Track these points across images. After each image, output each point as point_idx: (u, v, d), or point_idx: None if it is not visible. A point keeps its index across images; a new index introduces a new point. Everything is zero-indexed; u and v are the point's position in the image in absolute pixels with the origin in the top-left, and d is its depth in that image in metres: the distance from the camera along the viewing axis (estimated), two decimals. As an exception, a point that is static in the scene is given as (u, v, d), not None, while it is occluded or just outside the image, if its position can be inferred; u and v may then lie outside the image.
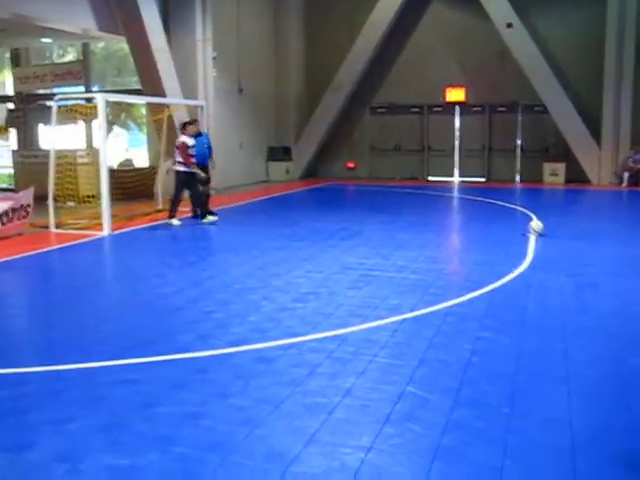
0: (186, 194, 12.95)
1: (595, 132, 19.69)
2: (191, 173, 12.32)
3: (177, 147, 12.37)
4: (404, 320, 6.26)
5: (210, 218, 12.66)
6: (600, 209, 16.07)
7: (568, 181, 20.21)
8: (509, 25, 19.84)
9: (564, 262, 8.94)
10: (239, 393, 4.56)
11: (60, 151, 13.29)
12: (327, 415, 4.20)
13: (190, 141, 12.41)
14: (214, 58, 17.82)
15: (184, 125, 12.69)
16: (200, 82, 17.27)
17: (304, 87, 23.18)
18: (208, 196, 12.98)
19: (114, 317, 6.67)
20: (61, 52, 21.88)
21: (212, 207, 13.63)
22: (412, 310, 6.57)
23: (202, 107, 15.07)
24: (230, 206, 15.41)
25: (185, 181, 12.36)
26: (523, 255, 9.24)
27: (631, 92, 19.25)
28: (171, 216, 12.52)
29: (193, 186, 12.48)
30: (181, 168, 12.33)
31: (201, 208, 12.74)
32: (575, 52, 20.04)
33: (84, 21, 14.81)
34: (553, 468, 3.60)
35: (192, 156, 12.34)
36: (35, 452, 3.75)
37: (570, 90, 19.82)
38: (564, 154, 20.42)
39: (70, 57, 21.48)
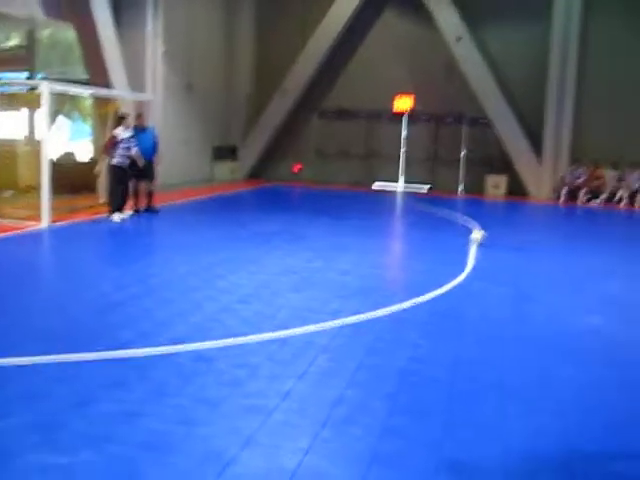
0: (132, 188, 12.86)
1: (537, 147, 20.21)
2: (120, 168, 12.36)
3: (108, 137, 12.51)
4: (345, 324, 6.31)
5: (115, 217, 12.37)
6: (538, 222, 16.50)
7: (509, 194, 20.66)
8: (458, 38, 20.21)
9: (503, 272, 9.14)
10: (178, 392, 4.54)
11: (0, 139, 12.96)
12: (266, 417, 4.22)
13: (122, 134, 12.39)
14: (165, 53, 17.65)
15: (120, 119, 12.73)
16: (149, 76, 17.09)
17: (254, 86, 23.15)
18: (126, 194, 12.78)
19: (51, 312, 6.54)
20: (4, 37, 21.30)
21: (156, 203, 13.54)
22: (353, 314, 6.63)
23: (149, 101, 14.90)
24: (174, 204, 15.28)
25: (118, 175, 12.31)
26: (464, 264, 9.42)
27: (572, 110, 19.82)
28: (111, 211, 12.35)
29: (121, 182, 12.42)
30: (113, 161, 12.39)
31: (115, 204, 12.48)
32: (521, 68, 20.51)
33: (29, 5, 14.47)
34: (487, 474, 3.70)
35: (121, 151, 12.32)
36: (-34, 447, 3.67)
37: (514, 105, 20.30)
38: (506, 167, 20.86)
39: (14, 42, 20.93)
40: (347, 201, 18.10)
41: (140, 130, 13.10)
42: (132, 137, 12.58)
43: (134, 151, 12.52)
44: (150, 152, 13.20)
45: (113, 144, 12.30)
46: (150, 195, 13.51)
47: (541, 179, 20.29)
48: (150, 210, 13.44)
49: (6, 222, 11.29)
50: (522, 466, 3.81)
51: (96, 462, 3.59)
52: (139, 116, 13.28)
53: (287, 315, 6.55)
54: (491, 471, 3.72)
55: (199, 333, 5.83)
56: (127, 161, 12.48)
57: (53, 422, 4.03)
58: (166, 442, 3.84)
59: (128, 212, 12.68)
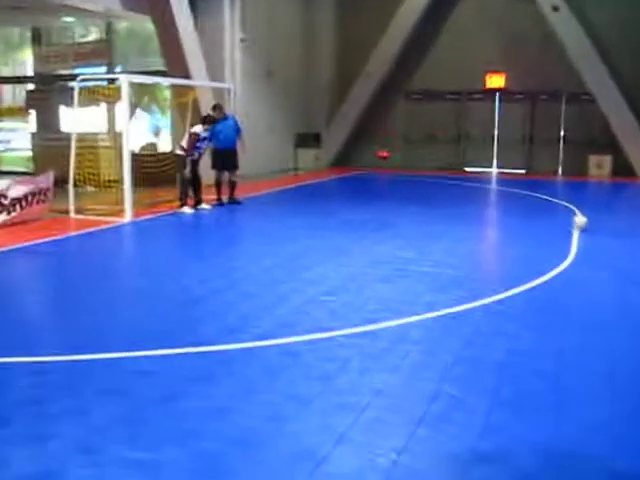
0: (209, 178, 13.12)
1: (645, 123, 19.43)
2: (192, 160, 12.66)
3: (189, 134, 12.76)
4: (439, 317, 6.23)
5: (186, 209, 12.61)
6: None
7: (614, 174, 19.95)
8: (555, 8, 19.59)
9: (609, 259, 8.84)
10: (267, 388, 4.57)
11: (81, 134, 13.41)
12: (358, 413, 4.20)
13: (203, 133, 12.72)
14: (242, 40, 17.86)
15: (205, 118, 13.02)
16: (227, 65, 17.34)
17: (336, 71, 23.14)
18: (198, 185, 13.01)
19: (135, 307, 6.73)
20: (83, 31, 22.04)
21: (238, 195, 13.75)
22: (448, 307, 6.53)
23: (229, 90, 15.12)
24: (257, 194, 15.45)
25: (184, 165, 12.60)
26: (566, 251, 9.15)
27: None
28: (182, 204, 12.63)
29: (190, 174, 12.68)
30: (182, 152, 12.72)
31: (183, 196, 12.74)
32: (625, 38, 19.73)
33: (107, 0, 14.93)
34: (595, 474, 3.56)
35: (197, 148, 12.69)
36: (56, 442, 3.80)
37: (619, 78, 19.54)
38: (610, 146, 20.15)
39: (93, 36, 21.65)
40: (437, 187, 17.88)
41: (221, 119, 13.30)
42: (209, 136, 12.95)
43: (204, 147, 13.01)
44: (233, 140, 13.42)
45: (194, 142, 12.58)
46: (232, 186, 13.72)
47: (650, 158, 19.51)
48: (232, 201, 13.66)
49: (90, 217, 11.68)
50: (635, 468, 3.65)
51: (182, 459, 3.64)
52: (215, 107, 13.50)
53: (377, 307, 6.50)
54: (599, 473, 3.58)
55: (285, 327, 5.86)
56: (197, 154, 12.81)
57: (138, 418, 4.12)
58: (256, 439, 3.87)
59: (205, 205, 12.94)
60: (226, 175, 13.64)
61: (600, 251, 9.40)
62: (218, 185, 13.52)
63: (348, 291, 7.10)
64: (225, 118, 13.45)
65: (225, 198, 13.60)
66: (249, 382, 4.67)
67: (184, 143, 12.77)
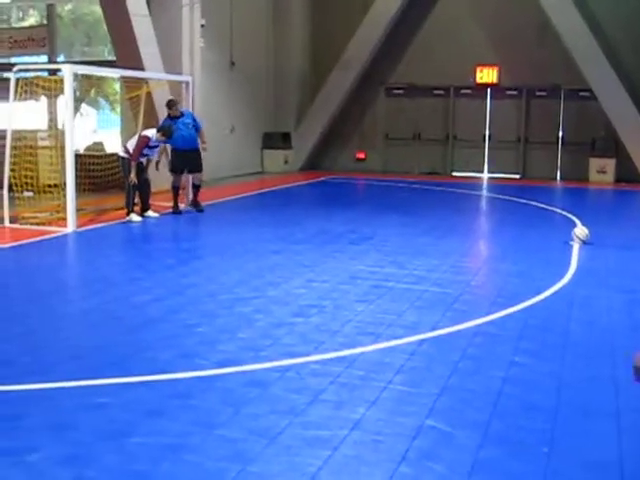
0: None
1: (652, 123, 19.71)
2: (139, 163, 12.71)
3: (139, 137, 12.76)
4: (423, 340, 6.24)
5: (134, 217, 12.59)
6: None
7: (618, 180, 20.21)
8: (552, -6, 19.85)
9: (613, 275, 8.94)
10: (228, 423, 4.55)
11: (18, 131, 13.29)
12: (332, 451, 4.19)
13: (155, 140, 12.74)
14: (202, 26, 17.85)
15: (161, 127, 13.04)
16: (185, 54, 17.28)
17: (308, 62, 23.23)
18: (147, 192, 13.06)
19: (80, 330, 6.67)
20: (21, 15, 21.92)
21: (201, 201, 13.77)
22: (433, 329, 6.56)
23: (187, 83, 15.09)
24: (218, 201, 15.42)
25: (129, 170, 12.59)
26: (566, 266, 9.23)
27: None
28: (128, 212, 12.59)
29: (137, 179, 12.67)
30: (125, 155, 12.73)
31: (129, 203, 12.70)
32: (630, 28, 20.06)
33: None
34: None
35: (144, 155, 12.77)
36: (-14, 487, 3.75)
37: (623, 73, 19.83)
38: (614, 149, 20.41)
39: (32, 21, 21.53)
40: (421, 194, 17.98)
41: (177, 117, 13.36)
42: (159, 145, 13.04)
43: (155, 155, 13.16)
44: (193, 139, 13.46)
45: (143, 147, 12.60)
46: (196, 190, 13.78)
47: (658, 162, 19.78)
48: (196, 208, 13.72)
49: (28, 227, 11.57)
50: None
51: (134, 505, 3.62)
52: (171, 104, 13.54)
53: (354, 330, 6.51)
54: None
55: (250, 353, 5.85)
56: (144, 159, 12.90)
57: (84, 455, 4.08)
58: (215, 481, 3.85)
59: (152, 213, 12.93)
60: (185, 178, 13.67)
61: (603, 266, 9.50)
62: (175, 190, 13.54)
63: (321, 311, 7.10)
64: (181, 115, 13.50)
65: (183, 206, 13.57)
66: (208, 416, 4.64)
67: (130, 145, 12.74)
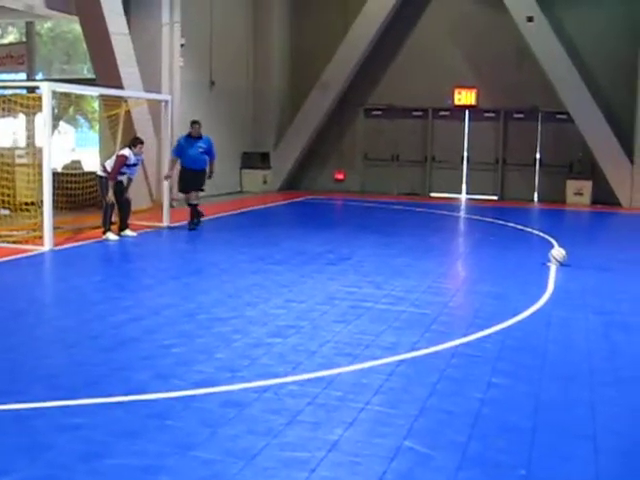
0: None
1: (628, 146, 19.90)
2: (116, 183, 12.71)
3: (117, 156, 12.78)
4: (402, 361, 6.24)
5: (110, 236, 12.58)
6: (632, 236, 16.17)
7: (595, 202, 20.37)
8: (530, 19, 20.07)
9: (590, 297, 9.00)
10: (205, 444, 4.52)
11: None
12: (309, 473, 4.17)
13: (133, 158, 12.83)
14: (182, 45, 17.89)
15: (134, 140, 13.08)
16: (165, 73, 17.32)
17: (288, 82, 23.30)
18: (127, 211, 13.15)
19: (55, 350, 6.60)
20: (0, 32, 21.85)
21: (176, 221, 13.70)
22: (411, 350, 6.56)
23: (166, 102, 15.09)
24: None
25: (106, 189, 12.57)
26: (543, 288, 9.28)
27: (670, 101, 19.52)
28: (105, 230, 12.54)
29: (114, 195, 12.68)
30: (104, 174, 12.71)
31: (105, 222, 12.69)
32: (606, 52, 20.28)
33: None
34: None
35: (122, 174, 12.78)
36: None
37: (599, 96, 20.05)
38: (591, 171, 20.59)
39: (10, 38, 21.47)
40: (399, 215, 18.03)
41: (193, 138, 13.87)
42: (138, 162, 13.18)
43: (135, 174, 13.29)
44: (200, 161, 13.89)
45: (120, 166, 12.54)
46: (192, 207, 14.07)
47: (634, 184, 19.95)
48: (194, 222, 14.12)
49: (3, 245, 11.48)
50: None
51: (109, 527, 3.58)
52: (192, 122, 14.01)
53: (332, 351, 6.50)
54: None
55: (227, 373, 5.82)
56: (124, 177, 12.90)
57: (59, 477, 4.03)
58: (191, 503, 3.82)
59: (129, 232, 12.91)
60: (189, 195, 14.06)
61: (580, 288, 9.56)
62: (190, 207, 14.14)
63: (298, 332, 7.08)
64: (199, 138, 13.95)
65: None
66: (184, 437, 4.61)
67: (108, 165, 12.74)
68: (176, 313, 7.80)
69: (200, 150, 13.83)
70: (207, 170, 14.07)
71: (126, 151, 12.75)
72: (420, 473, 4.21)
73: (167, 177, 14.34)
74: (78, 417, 4.88)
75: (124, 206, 12.88)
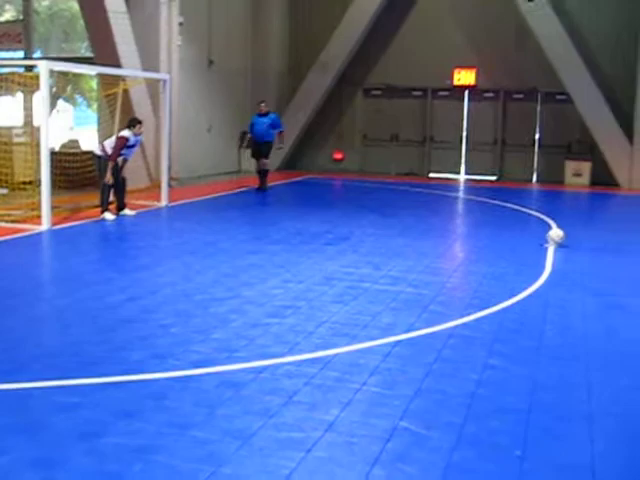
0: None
1: (627, 127, 19.83)
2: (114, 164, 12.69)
3: (117, 138, 12.74)
4: (398, 342, 6.25)
5: (108, 215, 12.58)
6: (630, 218, 16.17)
7: (594, 183, 20.35)
8: (530, -1, 19.96)
9: (588, 278, 9.00)
10: (202, 424, 4.53)
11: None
12: (305, 453, 4.19)
13: (133, 139, 12.84)
14: (180, 24, 17.78)
15: (132, 121, 13.05)
16: (163, 52, 17.21)
17: (286, 62, 23.20)
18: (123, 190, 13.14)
19: (52, 329, 6.62)
20: (-3, 10, 21.74)
21: (174, 201, 13.66)
22: (408, 330, 6.57)
23: (164, 81, 15.02)
24: (193, 200, 15.38)
25: (112, 171, 12.54)
26: (540, 269, 9.29)
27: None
28: (103, 210, 12.52)
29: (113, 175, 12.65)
30: (102, 154, 12.70)
31: (103, 201, 12.70)
32: (606, 33, 20.18)
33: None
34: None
35: (121, 155, 12.75)
36: (-46, 488, 3.71)
37: (599, 77, 19.97)
38: (590, 151, 20.56)
39: (7, 16, 21.34)
40: (398, 195, 18.02)
41: (262, 115, 17.00)
42: (137, 143, 13.23)
43: (131, 155, 13.23)
44: (265, 134, 16.94)
45: (121, 147, 12.52)
46: (263, 174, 17.15)
47: (633, 164, 19.90)
48: (260, 188, 17.12)
49: (1, 225, 11.46)
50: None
51: (105, 506, 3.59)
52: (259, 101, 17.47)
53: (329, 331, 6.51)
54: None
55: (224, 353, 5.83)
56: (120, 158, 12.83)
57: (55, 457, 4.05)
58: (187, 483, 3.83)
59: (128, 211, 12.89)
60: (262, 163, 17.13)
61: (578, 269, 9.57)
62: (259, 173, 17.35)
63: (296, 312, 7.09)
64: (266, 114, 17.03)
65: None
66: (181, 417, 4.62)
67: (108, 145, 12.69)
68: (173, 293, 7.81)
69: (265, 125, 16.76)
70: (276, 141, 17.16)
71: (126, 132, 12.71)
72: (415, 454, 4.22)
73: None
74: (75, 397, 4.89)
75: (120, 186, 12.85)
